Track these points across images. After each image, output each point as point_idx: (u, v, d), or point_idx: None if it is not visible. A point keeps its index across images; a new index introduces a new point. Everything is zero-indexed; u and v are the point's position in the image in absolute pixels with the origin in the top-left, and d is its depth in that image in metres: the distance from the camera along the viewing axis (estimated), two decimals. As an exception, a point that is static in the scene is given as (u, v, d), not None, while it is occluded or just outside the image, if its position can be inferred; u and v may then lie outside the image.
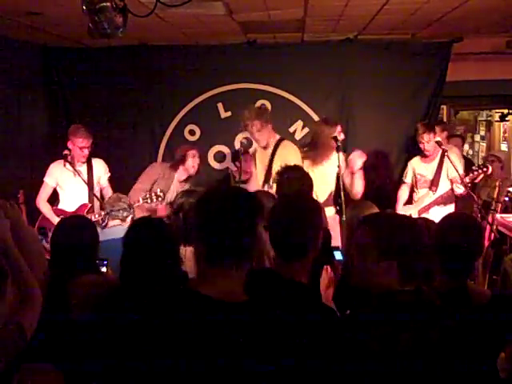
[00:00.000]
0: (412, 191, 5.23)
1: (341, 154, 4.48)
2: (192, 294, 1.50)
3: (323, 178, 4.55)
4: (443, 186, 4.96)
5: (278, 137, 4.72)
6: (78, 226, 2.86)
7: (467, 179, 4.77)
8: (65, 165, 4.74)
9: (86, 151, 4.80)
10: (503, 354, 2.30)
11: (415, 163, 5.17)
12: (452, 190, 4.88)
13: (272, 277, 2.07)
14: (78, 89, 5.86)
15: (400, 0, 3.98)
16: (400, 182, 5.40)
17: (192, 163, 4.94)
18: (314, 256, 2.15)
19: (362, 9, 4.26)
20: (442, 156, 4.93)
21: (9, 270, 2.02)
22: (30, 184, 5.03)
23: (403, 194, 5.23)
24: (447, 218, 2.40)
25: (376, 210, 3.20)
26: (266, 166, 4.64)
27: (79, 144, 4.74)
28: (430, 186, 4.98)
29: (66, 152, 4.73)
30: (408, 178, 5.23)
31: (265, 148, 4.70)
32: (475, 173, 4.82)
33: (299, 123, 5.87)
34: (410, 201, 5.24)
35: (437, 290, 2.14)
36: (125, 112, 5.84)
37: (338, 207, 4.35)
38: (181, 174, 4.96)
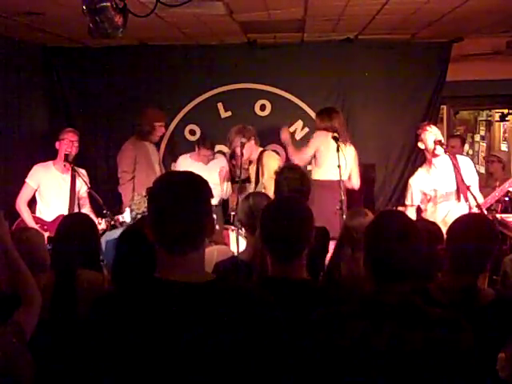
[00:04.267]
0: (422, 211, 4.62)
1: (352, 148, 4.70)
2: (158, 281, 1.50)
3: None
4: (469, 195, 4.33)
5: (259, 149, 5.12)
6: (78, 223, 2.94)
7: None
8: (65, 165, 4.73)
9: (76, 144, 4.77)
10: (503, 354, 2.30)
11: (420, 180, 4.54)
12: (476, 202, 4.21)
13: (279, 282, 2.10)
14: (78, 89, 5.87)
15: (400, 0, 3.98)
16: (403, 205, 4.80)
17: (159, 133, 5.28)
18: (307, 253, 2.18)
19: (361, 9, 4.25)
20: (455, 161, 4.43)
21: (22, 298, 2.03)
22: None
23: (412, 216, 4.32)
24: (462, 219, 2.41)
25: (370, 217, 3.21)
26: (254, 177, 5.05)
27: (70, 138, 4.74)
28: (458, 197, 4.40)
29: (66, 152, 4.71)
30: (416, 200, 4.57)
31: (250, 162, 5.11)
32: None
33: (299, 123, 5.87)
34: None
35: (444, 287, 2.15)
36: (125, 112, 5.84)
37: (338, 207, 4.36)
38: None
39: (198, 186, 1.54)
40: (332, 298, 2.13)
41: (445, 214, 4.41)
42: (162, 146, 5.95)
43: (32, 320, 2.05)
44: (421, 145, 4.53)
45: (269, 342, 1.46)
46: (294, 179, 3.28)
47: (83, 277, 2.65)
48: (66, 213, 4.64)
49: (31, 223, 4.55)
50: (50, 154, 4.91)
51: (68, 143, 4.73)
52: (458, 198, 4.42)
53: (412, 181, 4.62)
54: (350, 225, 3.04)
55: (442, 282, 2.22)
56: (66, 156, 4.68)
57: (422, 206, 4.62)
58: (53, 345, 2.42)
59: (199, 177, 1.58)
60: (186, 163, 5.27)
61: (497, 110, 8.07)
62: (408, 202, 4.64)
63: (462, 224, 2.33)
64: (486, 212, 4.26)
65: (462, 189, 4.37)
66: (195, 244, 1.51)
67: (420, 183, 4.56)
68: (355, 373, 1.73)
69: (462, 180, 4.33)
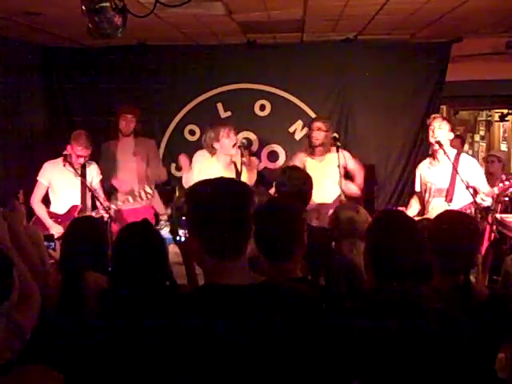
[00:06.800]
0: (424, 200, 4.64)
1: (345, 152, 4.63)
2: (214, 287, 1.51)
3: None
4: (460, 196, 4.34)
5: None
6: (88, 226, 2.98)
7: (496, 190, 4.31)
8: (65, 165, 4.71)
9: (82, 160, 4.70)
10: (503, 354, 2.30)
11: (422, 169, 4.64)
12: (475, 202, 4.19)
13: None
14: (78, 89, 5.87)
15: (400, 0, 3.98)
16: (403, 205, 5.05)
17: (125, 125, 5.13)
18: (301, 253, 2.16)
19: (361, 9, 4.26)
20: (457, 160, 4.38)
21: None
22: (30, 184, 5.00)
23: (414, 203, 4.72)
24: (442, 217, 2.40)
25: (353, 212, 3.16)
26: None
27: (78, 152, 4.64)
28: (446, 196, 4.40)
29: (66, 152, 4.70)
30: (417, 187, 4.71)
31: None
32: (506, 183, 4.29)
33: (299, 123, 5.88)
34: (422, 210, 4.65)
35: (437, 288, 2.15)
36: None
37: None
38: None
39: (244, 191, 1.57)
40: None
41: (431, 208, 4.46)
42: (162, 146, 5.96)
43: (31, 318, 2.05)
44: (431, 139, 4.43)
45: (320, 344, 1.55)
46: (297, 178, 3.24)
47: (90, 279, 2.65)
48: (79, 203, 4.74)
49: (47, 220, 4.63)
50: (50, 154, 4.90)
51: (72, 154, 4.66)
52: (446, 198, 4.42)
53: (418, 167, 4.76)
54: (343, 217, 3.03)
55: (433, 282, 2.21)
56: (67, 156, 4.65)
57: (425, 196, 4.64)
58: (58, 345, 2.41)
59: (242, 182, 1.64)
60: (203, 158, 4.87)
61: (496, 110, 8.09)
62: (415, 188, 4.77)
63: (443, 224, 2.30)
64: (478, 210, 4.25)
65: (451, 190, 4.39)
66: (244, 249, 1.54)
67: (421, 170, 4.67)
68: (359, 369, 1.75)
69: (455, 179, 4.34)
